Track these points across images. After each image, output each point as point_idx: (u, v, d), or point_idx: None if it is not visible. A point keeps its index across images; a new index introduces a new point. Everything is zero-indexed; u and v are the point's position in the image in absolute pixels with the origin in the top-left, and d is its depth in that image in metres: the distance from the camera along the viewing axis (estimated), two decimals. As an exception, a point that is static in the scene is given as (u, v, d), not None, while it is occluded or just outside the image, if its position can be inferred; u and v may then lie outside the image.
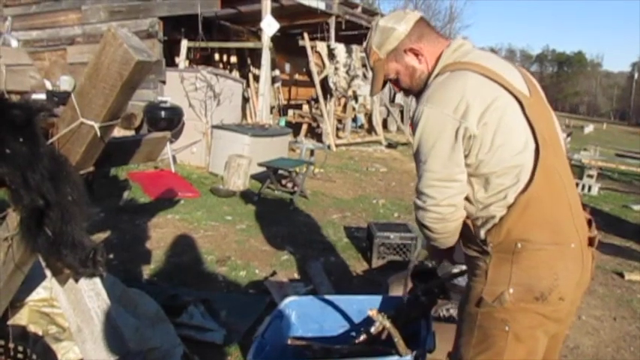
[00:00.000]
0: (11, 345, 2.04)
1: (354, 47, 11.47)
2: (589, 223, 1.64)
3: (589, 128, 26.92)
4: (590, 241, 1.60)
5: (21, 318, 2.26)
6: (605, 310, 3.95)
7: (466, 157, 1.51)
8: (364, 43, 1.77)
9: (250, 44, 10.59)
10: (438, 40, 1.68)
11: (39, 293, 2.31)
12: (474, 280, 1.60)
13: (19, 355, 2.05)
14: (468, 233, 1.60)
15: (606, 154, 11.89)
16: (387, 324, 1.99)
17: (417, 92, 1.72)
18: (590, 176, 8.84)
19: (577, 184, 8.68)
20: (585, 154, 10.79)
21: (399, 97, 15.85)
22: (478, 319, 1.57)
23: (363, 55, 11.84)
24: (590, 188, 8.62)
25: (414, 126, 1.57)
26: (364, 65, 12.00)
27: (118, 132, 7.26)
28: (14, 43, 9.50)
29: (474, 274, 1.60)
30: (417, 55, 1.66)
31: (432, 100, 1.53)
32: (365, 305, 2.28)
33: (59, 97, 7.51)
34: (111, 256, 4.04)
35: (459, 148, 1.50)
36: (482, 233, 1.55)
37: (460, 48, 1.64)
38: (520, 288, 1.50)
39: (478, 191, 1.54)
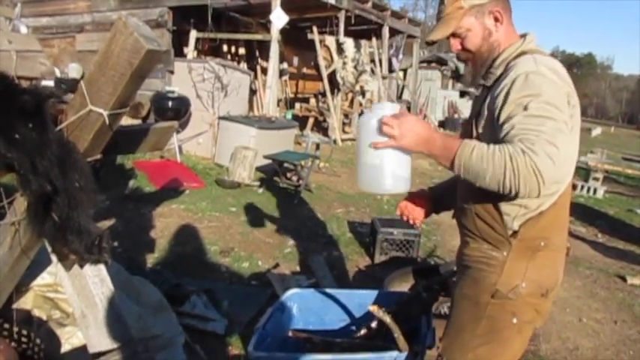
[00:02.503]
0: (15, 329, 2.06)
1: (363, 42, 11.44)
2: None
3: (596, 131, 26.72)
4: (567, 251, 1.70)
5: (26, 302, 2.27)
6: (606, 313, 3.95)
7: None
8: None
9: (259, 36, 10.57)
10: (513, 25, 1.63)
11: (44, 278, 2.32)
12: (486, 271, 1.60)
13: (24, 339, 2.07)
14: (490, 220, 1.57)
15: (613, 158, 11.82)
16: (388, 319, 2.00)
17: (481, 58, 1.61)
18: (596, 179, 8.82)
19: (582, 187, 8.66)
20: (592, 157, 10.74)
21: (407, 94, 15.82)
22: (488, 309, 1.59)
23: (372, 50, 11.87)
24: (595, 191, 8.60)
25: (524, 82, 1.39)
26: (372, 61, 11.98)
27: (125, 121, 7.27)
28: (23, 30, 9.50)
29: (486, 264, 1.60)
30: (497, 21, 1.58)
31: (544, 64, 1.43)
32: (366, 300, 2.29)
33: (67, 85, 7.54)
34: (115, 243, 4.07)
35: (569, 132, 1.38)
36: (515, 224, 1.54)
37: (533, 40, 1.60)
38: (532, 283, 1.56)
39: None
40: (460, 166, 1.36)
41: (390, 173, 1.53)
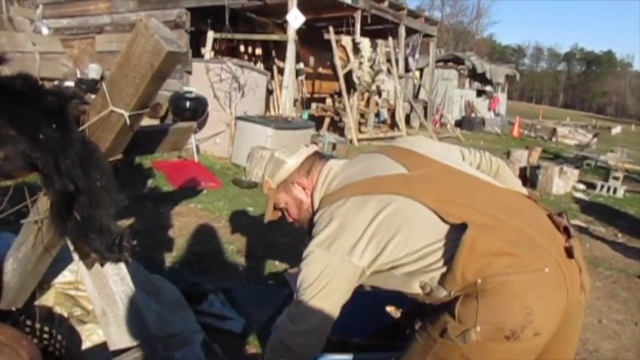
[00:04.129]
0: (37, 325, 2.10)
1: (379, 42, 11.41)
2: (566, 230, 1.51)
3: (616, 129, 26.33)
4: (568, 252, 1.45)
5: (47, 299, 2.31)
6: (627, 315, 3.90)
7: (371, 269, 1.53)
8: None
9: (275, 37, 10.60)
10: (320, 176, 1.75)
11: (65, 276, 2.36)
12: (443, 306, 1.49)
13: (45, 336, 2.11)
14: (426, 301, 1.56)
15: (633, 157, 11.64)
16: (404, 319, 2.00)
17: (305, 224, 1.80)
18: (616, 178, 8.70)
19: (602, 186, 8.53)
20: (612, 156, 10.61)
21: (423, 94, 15.74)
22: (435, 346, 1.46)
23: (388, 49, 11.84)
24: (615, 190, 8.48)
25: (301, 267, 1.58)
26: (389, 60, 11.95)
27: (144, 121, 7.36)
28: (45, 31, 9.69)
29: (443, 303, 1.49)
30: (304, 188, 1.76)
31: (316, 243, 1.55)
32: (383, 300, 2.29)
33: (87, 85, 7.64)
34: (134, 242, 4.11)
35: (350, 287, 1.55)
36: (439, 292, 1.47)
37: (326, 180, 1.70)
38: (488, 327, 1.37)
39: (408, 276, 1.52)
40: None
41: None
